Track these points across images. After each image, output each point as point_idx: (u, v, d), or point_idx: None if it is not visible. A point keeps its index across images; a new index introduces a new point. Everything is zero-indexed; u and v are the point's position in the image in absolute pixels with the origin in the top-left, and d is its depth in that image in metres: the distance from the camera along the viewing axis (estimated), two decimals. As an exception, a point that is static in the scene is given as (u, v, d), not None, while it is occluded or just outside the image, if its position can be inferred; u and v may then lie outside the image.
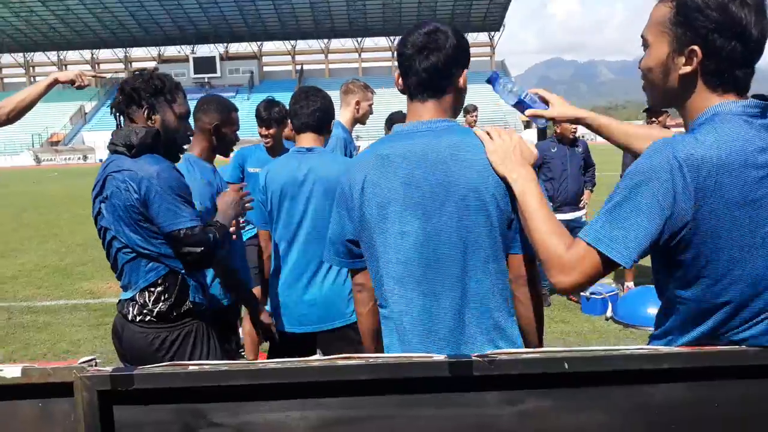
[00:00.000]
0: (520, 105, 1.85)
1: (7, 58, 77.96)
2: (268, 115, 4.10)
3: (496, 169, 1.57)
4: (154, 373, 1.17)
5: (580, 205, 5.99)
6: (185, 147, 2.44)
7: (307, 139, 2.86)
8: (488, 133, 1.63)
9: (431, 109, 1.67)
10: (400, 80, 1.71)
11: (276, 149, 4.20)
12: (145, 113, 2.25)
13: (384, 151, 1.67)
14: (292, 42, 76.73)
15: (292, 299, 2.84)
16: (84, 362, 1.18)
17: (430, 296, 1.61)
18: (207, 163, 2.85)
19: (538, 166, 5.88)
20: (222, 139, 2.86)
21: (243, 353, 4.36)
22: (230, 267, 2.74)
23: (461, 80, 1.68)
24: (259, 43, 77.32)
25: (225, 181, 2.97)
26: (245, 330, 4.33)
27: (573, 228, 5.12)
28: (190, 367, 1.17)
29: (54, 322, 5.80)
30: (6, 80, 79.42)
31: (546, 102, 1.86)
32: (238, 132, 2.97)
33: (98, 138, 60.55)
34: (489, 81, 1.86)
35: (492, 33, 78.41)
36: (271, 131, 4.13)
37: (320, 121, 2.86)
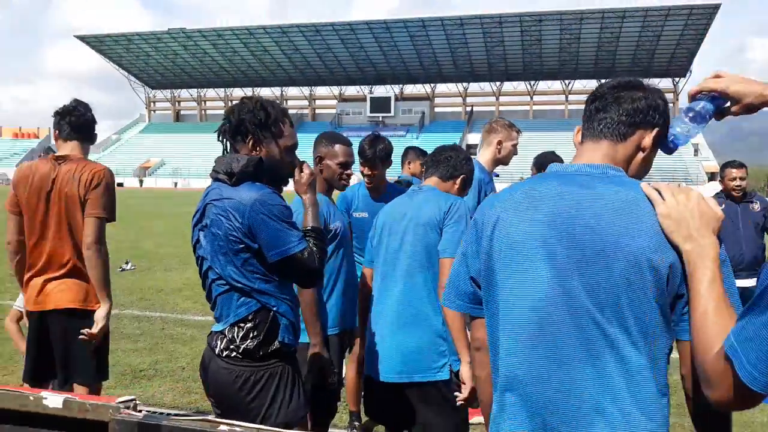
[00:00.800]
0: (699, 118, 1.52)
1: (211, 92, 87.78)
2: (373, 153, 3.74)
3: (669, 236, 1.30)
4: (182, 427, 1.16)
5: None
6: (290, 179, 2.40)
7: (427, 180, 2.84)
8: (659, 191, 1.36)
9: (602, 153, 1.48)
10: (578, 135, 1.57)
11: (378, 190, 3.88)
12: (250, 144, 2.21)
13: (527, 188, 1.49)
14: (464, 84, 77.86)
15: (381, 343, 2.70)
16: (122, 401, 1.18)
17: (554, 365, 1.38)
18: (320, 194, 2.82)
19: None
20: (323, 172, 2.95)
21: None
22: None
23: (646, 139, 1.48)
24: (432, 84, 79.50)
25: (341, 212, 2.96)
26: (348, 376, 4.04)
27: (749, 298, 4.43)
28: (221, 426, 1.16)
29: (199, 337, 6.18)
30: (209, 112, 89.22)
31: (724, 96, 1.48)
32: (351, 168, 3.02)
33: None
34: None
35: (677, 79, 73.46)
36: (375, 171, 3.80)
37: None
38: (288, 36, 69.60)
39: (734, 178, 5.02)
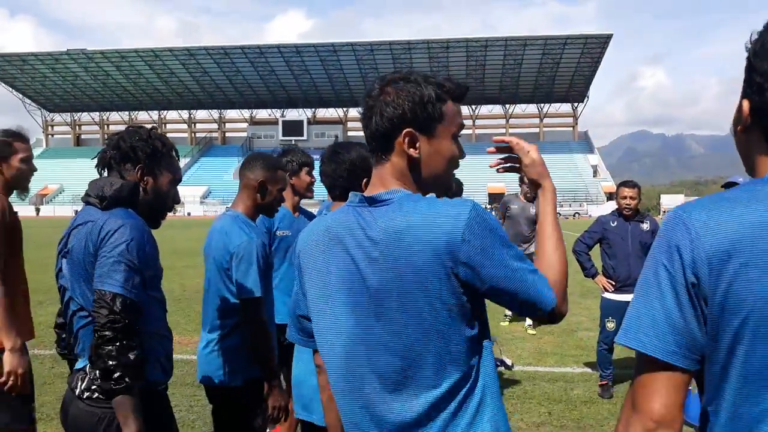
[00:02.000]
0: None
1: (114, 116, 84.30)
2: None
3: (530, 176, 1.59)
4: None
5: None
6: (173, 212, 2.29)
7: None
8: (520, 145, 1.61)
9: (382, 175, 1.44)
10: None
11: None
12: (138, 173, 2.08)
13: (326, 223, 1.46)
14: (377, 108, 78.98)
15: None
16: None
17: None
18: (250, 220, 2.71)
19: (600, 240, 5.42)
20: (266, 198, 2.73)
21: None
22: (266, 329, 2.54)
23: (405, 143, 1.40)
24: (345, 108, 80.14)
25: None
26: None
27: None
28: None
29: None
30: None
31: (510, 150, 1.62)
32: (283, 191, 2.82)
33: (189, 193, 63.82)
34: None
35: (575, 104, 77.84)
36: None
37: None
38: (195, 58, 68.21)
39: (625, 197, 5.25)
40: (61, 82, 74.71)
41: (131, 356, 1.81)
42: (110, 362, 1.79)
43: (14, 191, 3.02)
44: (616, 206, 5.41)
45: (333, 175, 2.48)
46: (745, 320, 0.96)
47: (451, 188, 1.49)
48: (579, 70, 68.62)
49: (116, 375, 1.79)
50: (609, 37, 62.93)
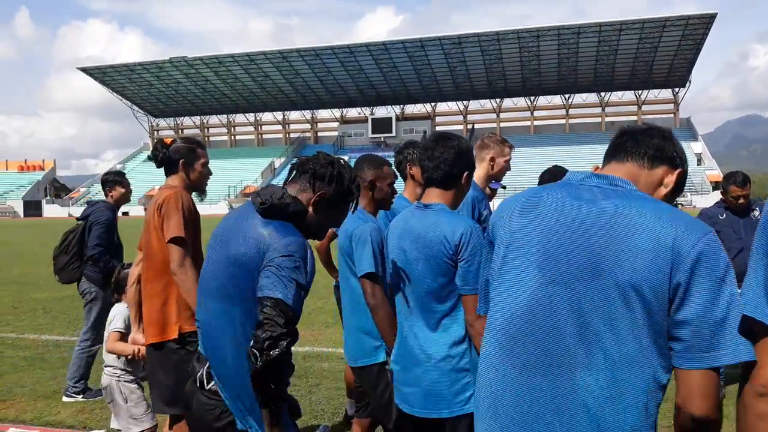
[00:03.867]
0: None
1: (213, 119, 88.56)
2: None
3: None
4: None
5: None
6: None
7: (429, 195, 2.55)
8: None
9: (624, 170, 1.59)
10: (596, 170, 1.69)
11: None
12: (312, 193, 2.15)
13: (532, 195, 1.60)
14: (465, 102, 78.30)
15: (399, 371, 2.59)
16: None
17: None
18: (372, 216, 3.09)
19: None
20: (376, 193, 3.13)
21: None
22: (386, 305, 2.80)
23: (669, 177, 1.60)
24: (433, 103, 79.96)
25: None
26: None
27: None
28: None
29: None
30: (212, 138, 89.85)
31: None
32: (393, 185, 3.21)
33: (282, 191, 65.86)
34: None
35: (677, 89, 73.70)
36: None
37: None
38: (288, 61, 70.28)
39: (738, 197, 4.92)
40: (164, 89, 79.20)
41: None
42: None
43: (194, 192, 3.39)
44: (722, 198, 5.11)
45: (440, 158, 2.47)
46: None
47: None
48: (680, 53, 64.81)
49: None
50: (713, 16, 59.00)
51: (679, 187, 1.59)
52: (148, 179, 76.14)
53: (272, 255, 1.95)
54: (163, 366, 3.14)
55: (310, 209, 2.14)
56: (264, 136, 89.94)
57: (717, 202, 5.18)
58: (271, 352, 1.80)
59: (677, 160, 1.58)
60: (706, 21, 59.34)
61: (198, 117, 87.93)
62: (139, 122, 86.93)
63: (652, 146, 1.57)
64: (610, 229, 1.39)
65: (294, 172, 2.22)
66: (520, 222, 1.54)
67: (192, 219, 3.17)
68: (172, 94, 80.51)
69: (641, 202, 1.43)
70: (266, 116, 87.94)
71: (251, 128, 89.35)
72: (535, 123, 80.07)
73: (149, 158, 3.39)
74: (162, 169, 3.36)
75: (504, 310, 1.50)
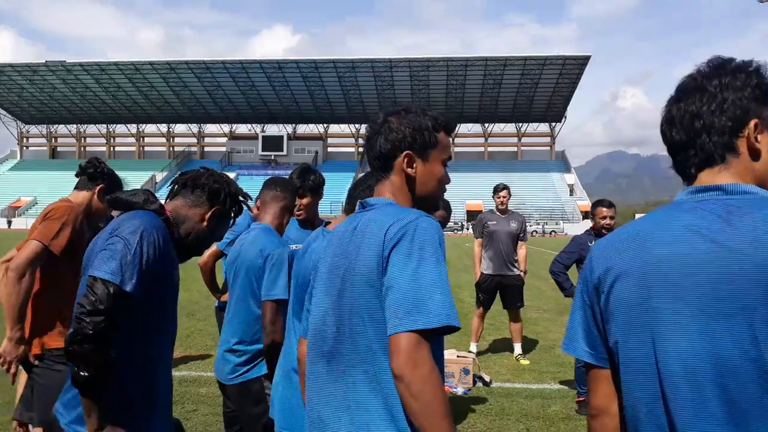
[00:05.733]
0: None
1: (92, 128, 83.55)
2: (302, 183, 3.72)
3: None
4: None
5: None
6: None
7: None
8: None
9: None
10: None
11: (311, 222, 3.83)
12: (208, 208, 2.22)
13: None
14: (357, 125, 79.26)
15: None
16: None
17: None
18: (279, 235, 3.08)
19: (578, 260, 5.42)
20: (287, 218, 3.19)
21: None
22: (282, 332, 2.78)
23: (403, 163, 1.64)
24: (325, 125, 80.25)
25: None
26: None
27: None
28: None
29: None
30: (89, 149, 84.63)
31: None
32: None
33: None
34: None
35: (554, 124, 78.88)
36: (304, 201, 3.73)
37: None
38: (176, 72, 67.88)
39: (604, 217, 5.31)
40: (38, 94, 73.76)
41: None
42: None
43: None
44: (592, 225, 5.47)
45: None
46: None
47: (438, 208, 1.64)
48: (557, 90, 69.58)
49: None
50: (587, 58, 63.97)
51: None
52: (14, 189, 70.23)
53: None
54: (31, 378, 2.98)
55: (205, 224, 2.18)
56: (146, 149, 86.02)
57: (587, 230, 5.56)
58: (79, 331, 1.69)
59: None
60: (581, 62, 64.23)
61: (74, 126, 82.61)
62: (6, 127, 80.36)
63: (377, 158, 1.69)
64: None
65: (180, 187, 2.23)
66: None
67: (76, 239, 2.96)
68: (46, 99, 75.11)
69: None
70: (150, 128, 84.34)
71: (132, 140, 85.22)
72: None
73: (80, 168, 3.27)
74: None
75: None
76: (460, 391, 5.58)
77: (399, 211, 1.51)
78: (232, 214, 2.29)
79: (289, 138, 78.74)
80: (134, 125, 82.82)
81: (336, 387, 1.49)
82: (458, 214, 64.07)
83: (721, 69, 1.23)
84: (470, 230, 52.72)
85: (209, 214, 2.18)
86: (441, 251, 1.44)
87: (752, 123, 1.19)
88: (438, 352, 1.46)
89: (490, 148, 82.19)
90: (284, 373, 2.40)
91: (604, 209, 5.31)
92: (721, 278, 1.08)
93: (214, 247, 4.42)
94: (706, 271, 1.10)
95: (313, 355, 1.58)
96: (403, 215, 1.48)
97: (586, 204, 63.91)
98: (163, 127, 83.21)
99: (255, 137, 79.28)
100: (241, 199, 2.29)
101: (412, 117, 1.64)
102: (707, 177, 1.22)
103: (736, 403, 1.06)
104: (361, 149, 79.14)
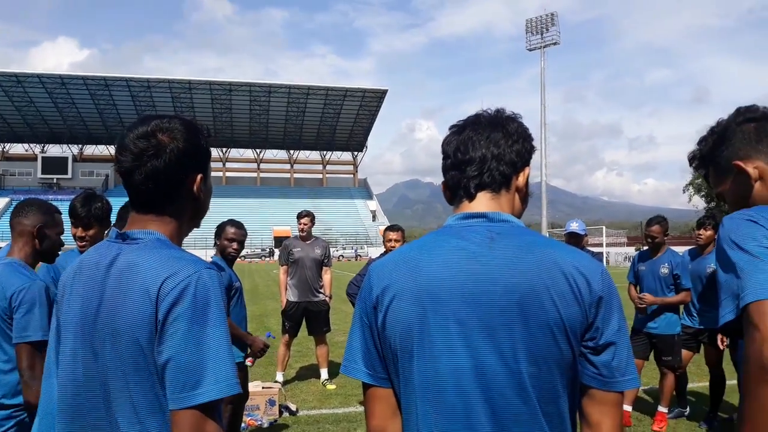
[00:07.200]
0: None
1: None
2: (87, 212, 3.33)
3: None
4: None
5: None
6: None
7: None
8: None
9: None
10: None
11: None
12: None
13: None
14: (154, 148, 74.95)
15: None
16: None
17: None
18: (31, 269, 2.61)
19: None
20: (44, 243, 2.69)
21: None
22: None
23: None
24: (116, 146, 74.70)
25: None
26: None
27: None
28: None
29: None
30: None
31: None
32: (62, 235, 2.77)
33: None
34: None
35: (356, 153, 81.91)
36: (90, 232, 3.34)
37: None
38: (-68, 82, 58.72)
39: (390, 239, 5.69)
40: None
41: None
42: None
43: None
44: (385, 249, 5.74)
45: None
46: None
47: None
48: (358, 120, 72.55)
49: None
50: (384, 92, 67.66)
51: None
52: None
53: None
54: None
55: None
56: None
57: (381, 254, 5.83)
58: None
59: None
60: (380, 95, 67.78)
61: None
62: None
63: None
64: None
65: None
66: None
67: None
68: None
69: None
70: None
71: None
72: (228, 174, 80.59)
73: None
74: None
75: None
76: (265, 423, 5.41)
77: (172, 260, 1.31)
78: None
79: (75, 160, 71.85)
80: None
81: None
82: (266, 240, 63.28)
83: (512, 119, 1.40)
84: (277, 257, 52.33)
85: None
86: (222, 307, 1.30)
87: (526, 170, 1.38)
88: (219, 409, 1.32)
89: (296, 175, 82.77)
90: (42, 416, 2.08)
91: (392, 233, 5.67)
92: (483, 298, 1.20)
93: None
94: (471, 290, 1.21)
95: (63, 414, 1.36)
96: (177, 267, 1.29)
97: (386, 229, 66.97)
98: None
99: (34, 158, 71.05)
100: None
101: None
102: (481, 199, 1.33)
103: (499, 414, 1.18)
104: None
